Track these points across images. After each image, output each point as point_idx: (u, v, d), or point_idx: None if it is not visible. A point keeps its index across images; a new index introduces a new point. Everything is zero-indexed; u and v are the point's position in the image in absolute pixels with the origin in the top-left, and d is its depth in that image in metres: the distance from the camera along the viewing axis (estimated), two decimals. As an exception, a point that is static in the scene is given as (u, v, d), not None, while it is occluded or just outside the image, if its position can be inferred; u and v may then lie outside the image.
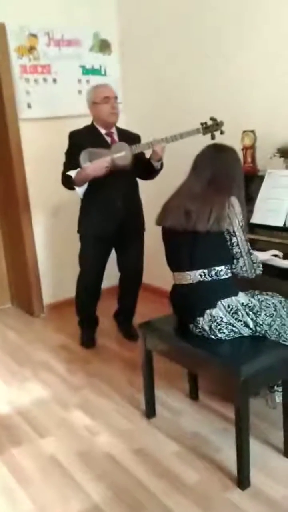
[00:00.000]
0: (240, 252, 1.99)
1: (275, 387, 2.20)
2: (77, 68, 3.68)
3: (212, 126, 2.77)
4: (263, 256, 2.19)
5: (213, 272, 2.01)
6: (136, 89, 3.80)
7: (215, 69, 3.11)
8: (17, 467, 2.12)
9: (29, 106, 3.48)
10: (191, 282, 2.05)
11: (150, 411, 2.39)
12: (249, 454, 1.89)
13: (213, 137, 2.71)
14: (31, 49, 3.45)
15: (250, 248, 2.04)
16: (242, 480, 1.91)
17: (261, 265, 2.08)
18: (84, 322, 3.27)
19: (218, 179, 2.02)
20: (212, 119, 2.78)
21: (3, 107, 3.39)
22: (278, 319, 2.05)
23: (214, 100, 3.12)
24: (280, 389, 2.17)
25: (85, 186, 2.83)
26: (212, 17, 3.05)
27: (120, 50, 3.83)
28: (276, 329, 2.04)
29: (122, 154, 2.74)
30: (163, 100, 3.55)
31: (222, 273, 2.01)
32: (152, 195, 3.47)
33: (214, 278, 2.01)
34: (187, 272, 2.05)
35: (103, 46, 3.79)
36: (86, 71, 3.74)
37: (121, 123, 3.85)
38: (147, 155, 2.90)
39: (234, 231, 1.96)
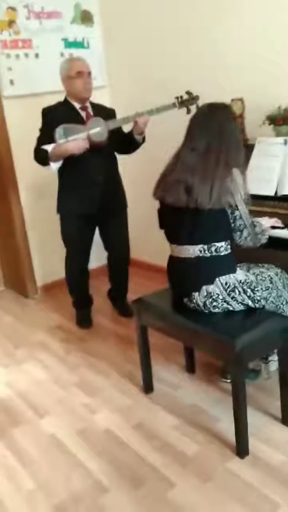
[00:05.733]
0: (244, 224, 1.96)
1: (269, 358, 2.20)
2: (59, 41, 3.57)
3: (188, 100, 2.72)
4: (265, 223, 2.14)
5: (213, 248, 1.98)
6: (120, 62, 3.70)
7: (202, 37, 3.02)
8: (18, 447, 2.14)
9: (11, 83, 3.38)
10: (190, 256, 2.02)
11: (147, 386, 2.40)
12: (247, 423, 1.91)
13: (188, 111, 2.64)
14: (11, 23, 3.33)
15: (253, 219, 2.00)
16: (241, 449, 1.93)
17: (267, 233, 2.05)
18: (78, 302, 3.25)
19: (215, 147, 1.93)
20: (187, 92, 2.73)
21: (-16, 85, 3.30)
22: (274, 291, 2.04)
23: (202, 70, 3.04)
24: (274, 358, 2.17)
25: (60, 162, 2.77)
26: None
27: (103, 22, 3.72)
28: (272, 301, 2.04)
29: (97, 130, 2.69)
30: (149, 72, 3.46)
31: (222, 249, 1.98)
32: (136, 169, 3.45)
33: (214, 254, 1.98)
34: (186, 246, 2.02)
35: (85, 17, 3.68)
36: (69, 44, 3.63)
37: (105, 96, 3.80)
38: (125, 129, 2.83)
39: (236, 205, 1.91)
